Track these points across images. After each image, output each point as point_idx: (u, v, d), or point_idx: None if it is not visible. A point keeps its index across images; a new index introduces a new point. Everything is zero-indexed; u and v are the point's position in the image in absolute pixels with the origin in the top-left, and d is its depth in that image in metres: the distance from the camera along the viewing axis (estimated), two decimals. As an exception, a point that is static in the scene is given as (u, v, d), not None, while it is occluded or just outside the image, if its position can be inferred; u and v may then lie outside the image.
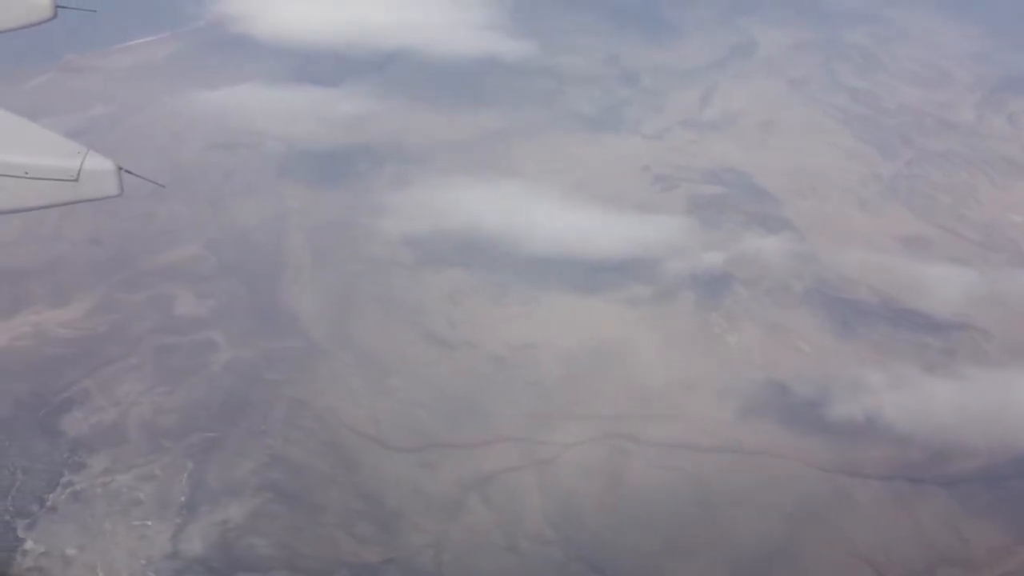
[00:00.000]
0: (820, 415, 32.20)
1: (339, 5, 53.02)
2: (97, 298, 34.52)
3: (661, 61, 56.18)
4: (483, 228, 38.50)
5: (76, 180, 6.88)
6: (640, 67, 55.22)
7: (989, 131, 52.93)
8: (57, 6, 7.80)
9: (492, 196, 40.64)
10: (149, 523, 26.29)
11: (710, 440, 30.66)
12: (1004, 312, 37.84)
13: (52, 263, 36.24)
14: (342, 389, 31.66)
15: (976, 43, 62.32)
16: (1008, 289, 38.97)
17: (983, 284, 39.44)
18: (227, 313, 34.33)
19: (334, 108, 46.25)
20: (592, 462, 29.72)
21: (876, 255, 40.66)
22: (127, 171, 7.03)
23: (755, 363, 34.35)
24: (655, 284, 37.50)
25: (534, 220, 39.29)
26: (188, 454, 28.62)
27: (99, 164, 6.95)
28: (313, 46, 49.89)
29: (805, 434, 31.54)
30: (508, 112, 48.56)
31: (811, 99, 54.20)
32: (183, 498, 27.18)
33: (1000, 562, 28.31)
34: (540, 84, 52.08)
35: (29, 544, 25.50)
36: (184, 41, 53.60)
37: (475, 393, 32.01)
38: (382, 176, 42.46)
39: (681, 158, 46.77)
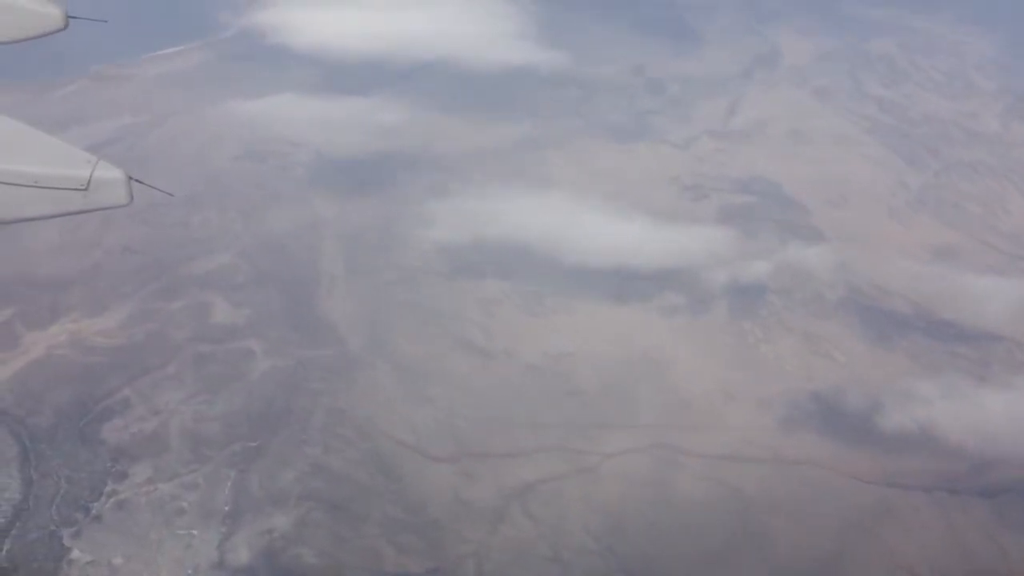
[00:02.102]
0: (859, 425, 32.17)
1: (371, 16, 53.24)
2: (134, 307, 34.62)
3: (686, 71, 56.36)
4: (516, 237, 38.55)
5: (86, 189, 6.99)
6: (666, 77, 55.45)
7: (1015, 140, 52.98)
8: (69, 17, 7.89)
9: (524, 206, 40.72)
10: (195, 532, 26.33)
11: (751, 450, 30.60)
12: (1038, 323, 37.75)
13: (87, 272, 36.35)
14: (380, 398, 31.69)
15: (999, 53, 62.49)
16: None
17: (1015, 294, 39.29)
18: (263, 322, 34.40)
19: (366, 118, 46.34)
20: (633, 472, 29.67)
21: (908, 265, 40.64)
22: (137, 180, 7.05)
23: (791, 373, 34.32)
24: (688, 294, 37.51)
25: (566, 229, 39.35)
26: (230, 463, 28.66)
27: (109, 173, 7.05)
28: (345, 56, 50.06)
29: (845, 444, 31.48)
30: (538, 121, 48.73)
31: (837, 108, 54.26)
32: (227, 507, 27.21)
33: (1039, 574, 28.24)
34: (568, 94, 52.25)
35: (76, 553, 25.55)
36: (214, 51, 53.87)
37: (513, 402, 32.01)
38: (415, 185, 42.57)
39: (710, 167, 46.84)
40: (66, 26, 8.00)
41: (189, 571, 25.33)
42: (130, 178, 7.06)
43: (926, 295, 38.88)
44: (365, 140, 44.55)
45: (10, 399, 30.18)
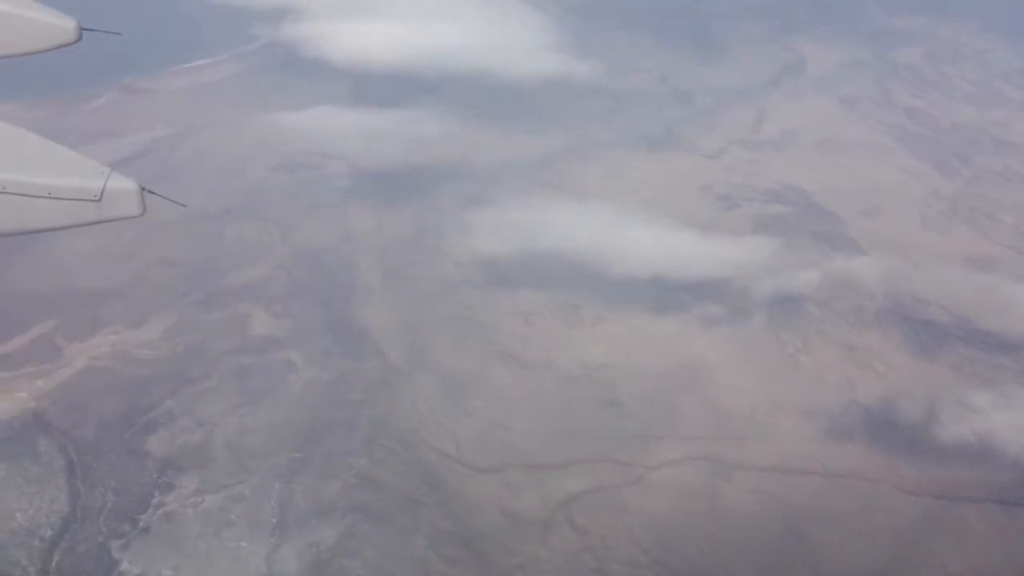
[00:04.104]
0: (903, 437, 31.91)
1: (404, 28, 53.52)
2: (173, 318, 34.71)
3: (713, 81, 56.40)
4: (551, 248, 38.50)
5: (99, 200, 6.80)
6: (693, 87, 55.48)
7: (1044, 149, 52.70)
8: (82, 30, 7.75)
9: (558, 216, 40.74)
10: (243, 544, 26.26)
11: (797, 462, 30.37)
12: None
13: (126, 284, 36.48)
14: (422, 409, 31.61)
15: (1024, 62, 62.37)
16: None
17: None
18: (303, 333, 34.42)
19: (400, 130, 46.48)
20: (679, 483, 29.48)
21: (944, 274, 40.36)
22: (150, 191, 6.92)
23: (832, 384, 34.08)
24: (726, 304, 37.32)
25: (601, 239, 39.29)
26: (275, 474, 28.60)
27: (122, 184, 6.87)
28: (378, 68, 50.20)
29: (889, 456, 31.22)
30: (568, 131, 48.79)
31: (866, 117, 54.16)
32: (274, 519, 27.14)
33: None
34: (596, 104, 52.30)
35: (125, 565, 25.52)
36: (246, 63, 54.17)
37: (553, 413, 31.88)
38: (449, 197, 42.59)
39: (740, 177, 46.76)
40: (79, 39, 7.79)
41: (239, 583, 25.30)
42: (143, 189, 6.90)
43: (964, 305, 38.58)
44: (399, 152, 44.64)
45: (54, 412, 30.25)
